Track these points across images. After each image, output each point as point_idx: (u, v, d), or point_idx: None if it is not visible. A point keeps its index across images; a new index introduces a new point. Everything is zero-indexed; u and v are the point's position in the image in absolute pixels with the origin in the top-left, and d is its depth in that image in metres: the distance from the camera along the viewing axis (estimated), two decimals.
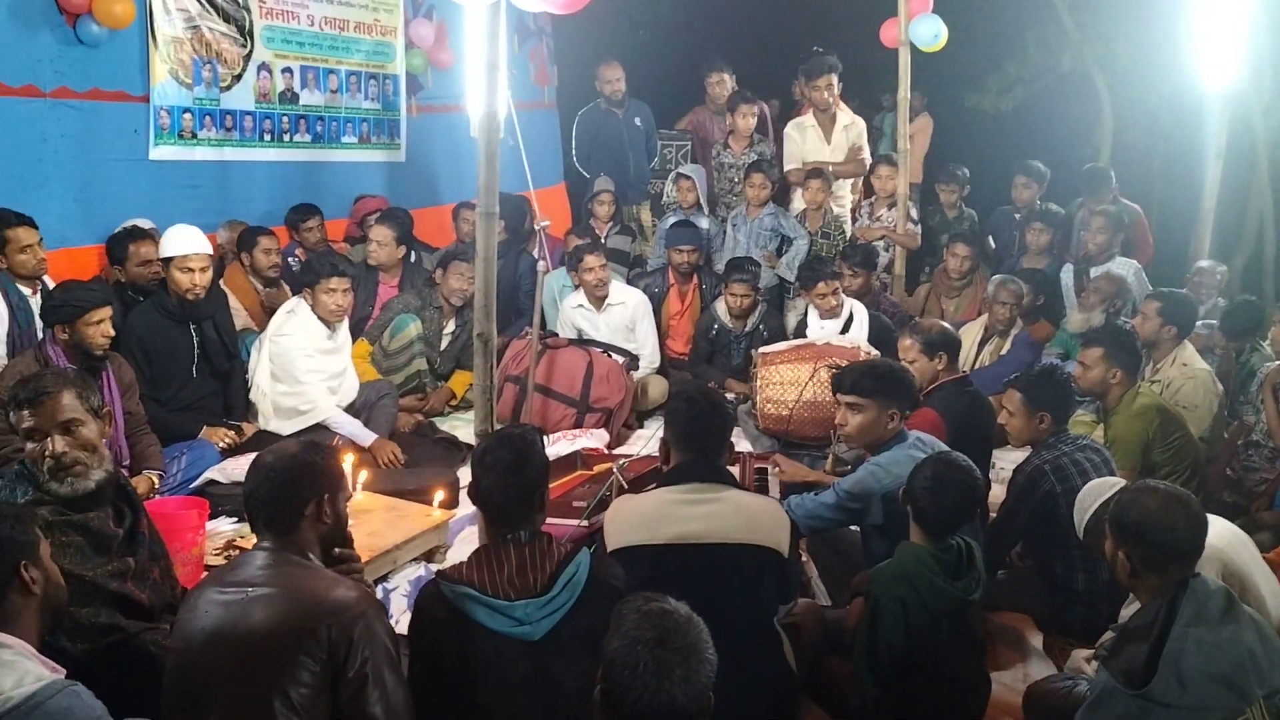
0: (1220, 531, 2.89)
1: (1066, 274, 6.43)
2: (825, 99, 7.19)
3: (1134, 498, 2.45)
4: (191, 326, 4.84)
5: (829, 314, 5.71)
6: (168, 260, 4.79)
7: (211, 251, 4.97)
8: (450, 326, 5.92)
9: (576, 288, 6.23)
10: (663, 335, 6.36)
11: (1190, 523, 2.41)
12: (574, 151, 8.08)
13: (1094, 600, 3.51)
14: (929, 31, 6.41)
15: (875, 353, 5.13)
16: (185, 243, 4.80)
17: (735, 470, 3.93)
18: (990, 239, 7.37)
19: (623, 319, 6.11)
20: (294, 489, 2.34)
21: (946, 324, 4.66)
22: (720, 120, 7.93)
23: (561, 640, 2.34)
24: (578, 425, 5.36)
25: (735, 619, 2.49)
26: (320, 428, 4.85)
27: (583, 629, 2.36)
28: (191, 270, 4.74)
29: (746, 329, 6.10)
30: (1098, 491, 3.18)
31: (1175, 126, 8.70)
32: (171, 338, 4.79)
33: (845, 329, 5.64)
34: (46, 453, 2.75)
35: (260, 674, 2.11)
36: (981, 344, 5.85)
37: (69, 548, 2.66)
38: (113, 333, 4.16)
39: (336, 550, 2.48)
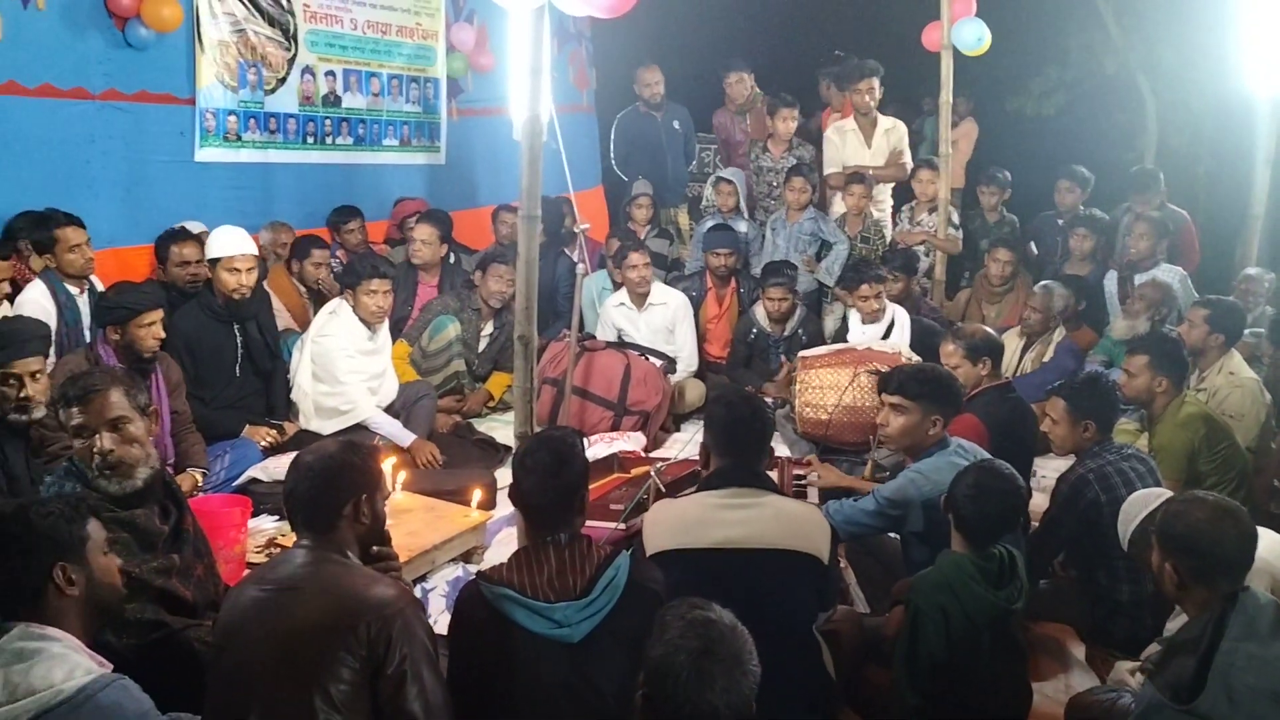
0: (1270, 544, 2.83)
1: (1110, 280, 6.35)
2: (866, 102, 7.16)
3: (1182, 509, 2.41)
4: (236, 326, 4.89)
5: (871, 318, 5.67)
6: (214, 261, 4.84)
7: (257, 252, 5.02)
8: (488, 328, 5.94)
9: (618, 286, 6.23)
10: (700, 339, 6.34)
11: (1240, 535, 2.37)
12: (612, 154, 8.08)
13: (1138, 612, 3.45)
14: (972, 35, 6.35)
15: (916, 358, 5.09)
16: (232, 243, 4.84)
17: (774, 475, 3.91)
18: (1032, 244, 7.28)
19: (663, 320, 6.11)
20: (332, 489, 2.35)
21: (989, 329, 4.62)
22: (740, 120, 7.91)
23: (600, 643, 2.34)
24: (615, 428, 5.36)
25: (774, 625, 2.46)
26: (360, 428, 4.89)
27: (621, 632, 2.36)
28: (238, 271, 4.79)
29: (785, 333, 6.07)
30: (1143, 502, 3.13)
31: (1220, 131, 8.56)
32: (216, 337, 4.84)
33: (887, 334, 5.60)
34: (94, 450, 2.79)
35: (301, 671, 2.12)
36: (1024, 350, 5.78)
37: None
38: (163, 335, 4.21)
39: (375, 549, 2.49)
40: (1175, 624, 2.84)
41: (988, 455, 3.52)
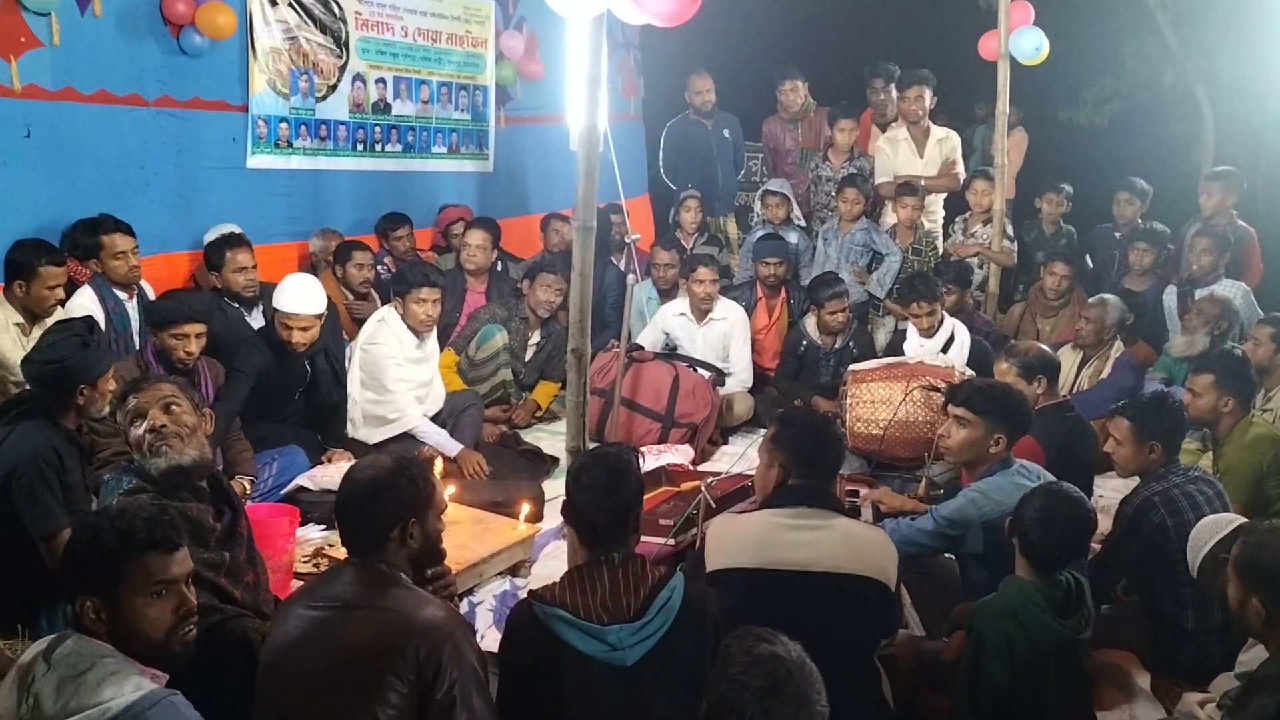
0: None
1: (1170, 296, 6.18)
2: (915, 111, 7.07)
3: (1264, 540, 2.31)
4: (305, 359, 4.73)
5: (928, 332, 5.56)
6: (275, 309, 4.66)
7: (322, 311, 4.68)
8: (535, 337, 5.91)
9: (666, 293, 6.18)
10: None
11: None
12: (661, 163, 8.04)
13: (1205, 640, 3.33)
14: (1030, 44, 6.24)
15: (971, 374, 4.99)
16: (295, 300, 4.58)
17: None
18: (1088, 258, 7.13)
19: (721, 334, 6.05)
20: (378, 512, 2.31)
21: (1044, 346, 4.51)
22: (792, 129, 7.82)
23: (654, 667, 2.29)
24: (662, 440, 5.30)
25: (836, 652, 2.39)
26: (407, 437, 4.87)
27: (676, 656, 2.31)
28: (290, 329, 4.57)
29: (836, 346, 5.99)
30: (1214, 529, 3.02)
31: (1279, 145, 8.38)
32: (284, 367, 4.66)
33: (946, 348, 5.49)
34: (146, 428, 2.83)
35: (348, 693, 2.09)
36: (1080, 366, 5.65)
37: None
38: (195, 350, 4.11)
39: (429, 571, 2.45)
40: (1249, 656, 2.72)
41: (1051, 477, 3.43)
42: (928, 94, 7.05)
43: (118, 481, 2.86)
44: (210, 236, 5.43)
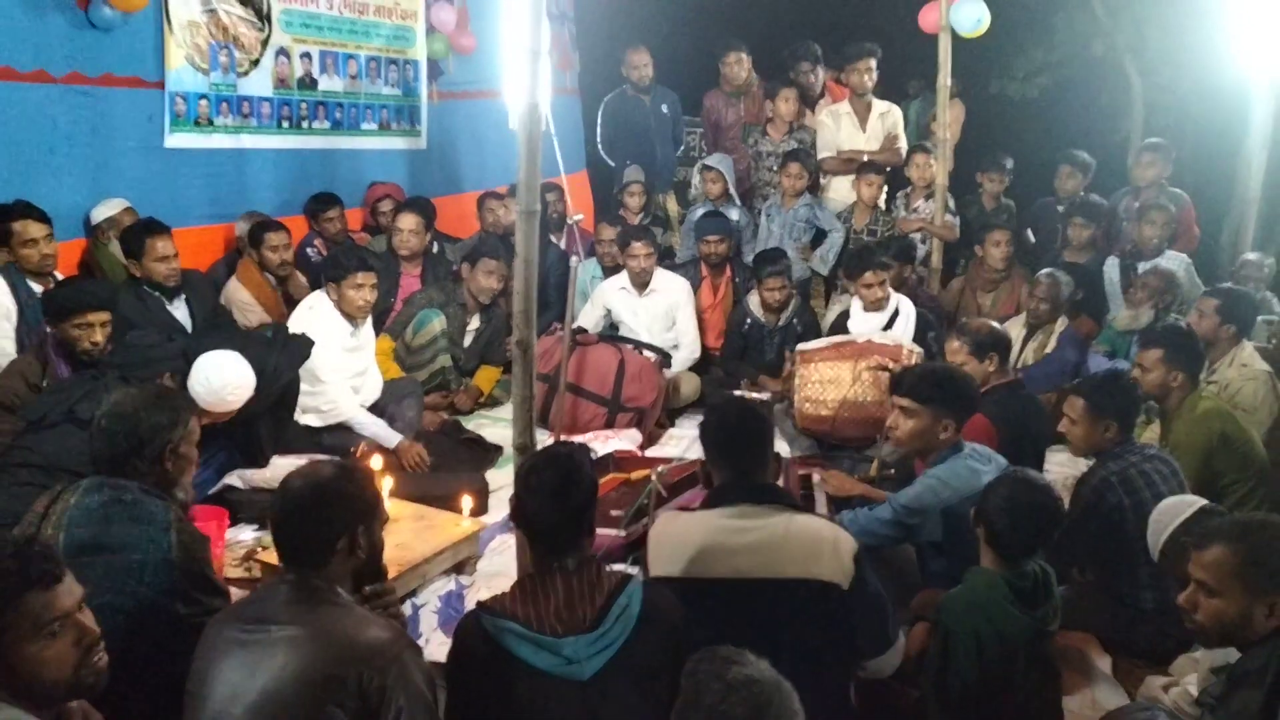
0: None
1: (1112, 268, 6.18)
2: (864, 83, 6.98)
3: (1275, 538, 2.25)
4: None
5: (873, 306, 5.47)
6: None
7: (251, 393, 3.75)
8: (475, 323, 5.73)
9: (611, 270, 6.08)
10: None
11: None
12: (599, 138, 7.87)
13: (1163, 620, 3.30)
14: (971, 16, 6.18)
15: (919, 350, 4.93)
16: (211, 391, 3.59)
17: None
18: (1029, 232, 7.11)
19: (664, 306, 5.94)
20: (323, 523, 2.16)
21: (995, 323, 4.46)
22: (735, 103, 7.68)
23: (612, 680, 2.16)
24: (609, 425, 5.17)
25: (791, 661, 2.26)
26: (344, 428, 4.68)
27: (635, 667, 2.19)
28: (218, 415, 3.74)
29: (780, 323, 5.90)
30: (1174, 511, 2.98)
31: (1207, 114, 8.48)
32: None
33: (890, 324, 5.41)
34: None
35: None
36: (1025, 341, 5.62)
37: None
38: (101, 340, 3.84)
39: (366, 589, 2.29)
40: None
41: (1001, 459, 3.38)
42: (874, 66, 6.96)
43: None
44: (99, 215, 5.18)
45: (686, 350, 5.92)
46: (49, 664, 1.81)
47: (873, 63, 6.95)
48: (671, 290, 5.96)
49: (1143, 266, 5.89)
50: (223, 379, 3.58)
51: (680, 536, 2.56)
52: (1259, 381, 4.58)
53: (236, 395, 3.63)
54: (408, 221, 6.01)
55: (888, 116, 7.11)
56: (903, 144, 7.17)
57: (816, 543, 2.50)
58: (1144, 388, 4.08)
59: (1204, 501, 3.00)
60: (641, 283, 5.91)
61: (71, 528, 2.45)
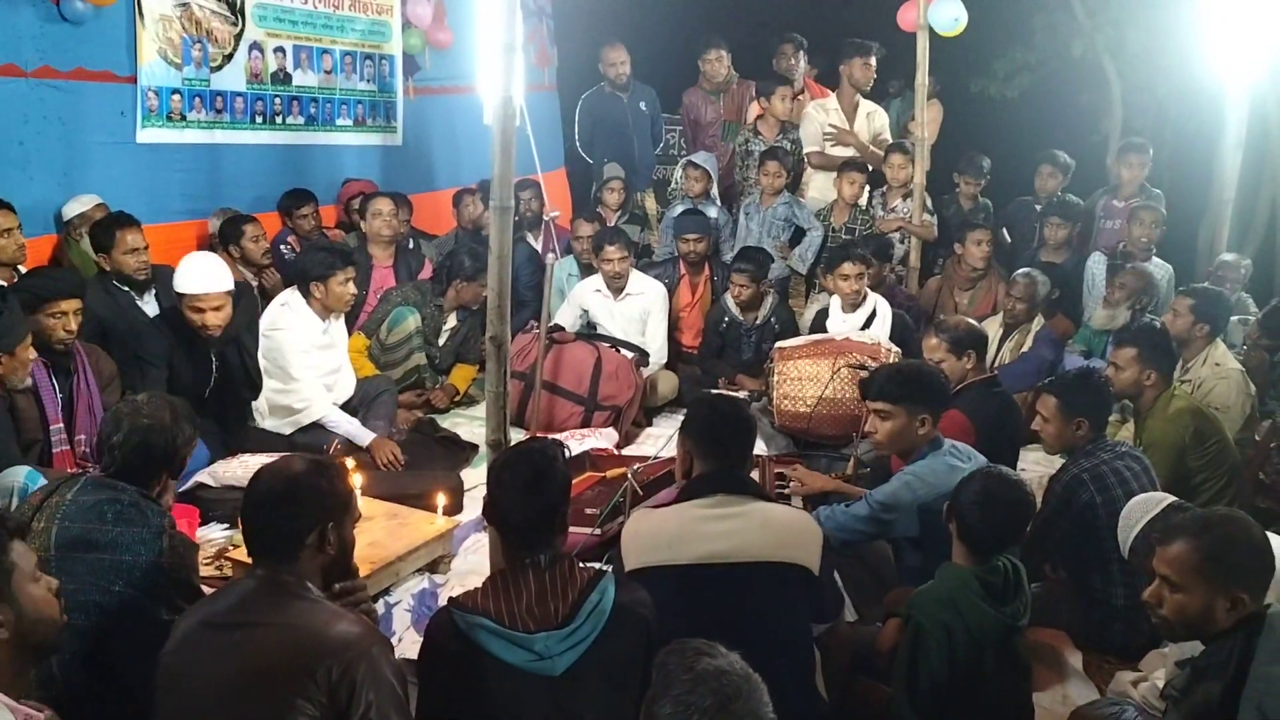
0: None
1: (1098, 266, 6.19)
2: (868, 78, 7.07)
3: (1233, 534, 2.26)
4: (212, 353, 4.40)
5: (851, 305, 5.48)
6: (180, 294, 4.29)
7: (230, 288, 4.31)
8: (451, 322, 5.70)
9: (585, 271, 6.03)
10: (672, 327, 6.14)
11: (1251, 544, 2.24)
12: (577, 136, 7.84)
13: (1134, 617, 3.32)
14: (949, 15, 6.20)
15: (897, 349, 4.94)
16: (200, 279, 4.21)
17: (754, 475, 3.73)
18: (1004, 231, 7.14)
19: (640, 310, 5.91)
20: (293, 517, 2.14)
21: (973, 321, 4.48)
22: (714, 101, 7.68)
23: (584, 675, 2.15)
24: (585, 424, 5.15)
25: (764, 644, 2.28)
26: (317, 427, 4.64)
27: (607, 662, 2.18)
28: (203, 310, 4.21)
29: (757, 321, 5.90)
30: (1144, 508, 3.00)
31: (1185, 116, 8.54)
32: (191, 362, 4.33)
33: (868, 324, 5.41)
34: None
35: (254, 719, 1.92)
36: (1002, 340, 5.64)
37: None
38: (75, 327, 3.82)
39: (337, 586, 2.27)
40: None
41: (981, 456, 3.40)
42: (874, 63, 7.02)
43: None
44: (70, 211, 5.14)
45: (654, 355, 5.85)
46: (45, 602, 1.99)
47: (873, 60, 7.00)
48: (647, 294, 5.93)
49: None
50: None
51: (654, 529, 2.63)
52: (1231, 380, 4.61)
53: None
54: (384, 204, 6.00)
55: (875, 117, 7.15)
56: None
57: (791, 529, 2.63)
58: (1118, 386, 4.11)
59: (1173, 498, 3.02)
60: (617, 287, 5.87)
61: (64, 522, 2.54)
